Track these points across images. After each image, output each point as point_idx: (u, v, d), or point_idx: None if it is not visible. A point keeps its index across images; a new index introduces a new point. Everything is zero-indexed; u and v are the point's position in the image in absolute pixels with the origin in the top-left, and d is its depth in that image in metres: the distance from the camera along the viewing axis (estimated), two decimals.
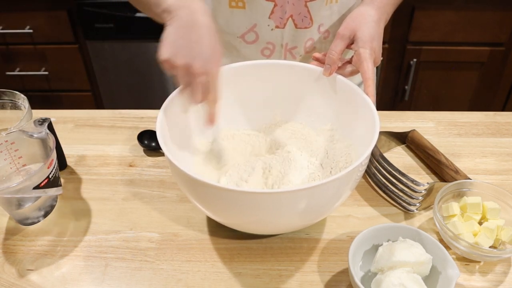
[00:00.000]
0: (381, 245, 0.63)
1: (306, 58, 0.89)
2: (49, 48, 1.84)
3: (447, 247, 0.67)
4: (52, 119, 0.79)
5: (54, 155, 0.71)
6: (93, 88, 1.97)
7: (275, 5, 0.81)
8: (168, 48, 0.62)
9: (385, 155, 0.81)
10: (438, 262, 0.61)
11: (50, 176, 0.70)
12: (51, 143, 0.72)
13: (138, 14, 1.72)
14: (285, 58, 0.88)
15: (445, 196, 0.71)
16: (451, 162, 0.79)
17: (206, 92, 0.63)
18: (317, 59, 0.77)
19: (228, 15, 0.83)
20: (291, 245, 0.70)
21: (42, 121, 0.75)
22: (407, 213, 0.75)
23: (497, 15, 1.66)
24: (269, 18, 0.83)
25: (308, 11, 0.82)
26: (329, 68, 0.73)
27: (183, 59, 0.61)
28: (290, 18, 0.82)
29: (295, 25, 0.84)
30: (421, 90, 1.88)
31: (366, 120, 0.68)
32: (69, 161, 0.87)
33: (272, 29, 0.84)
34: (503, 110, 1.93)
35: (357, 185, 0.78)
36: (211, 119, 0.67)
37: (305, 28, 0.84)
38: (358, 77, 0.89)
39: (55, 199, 0.78)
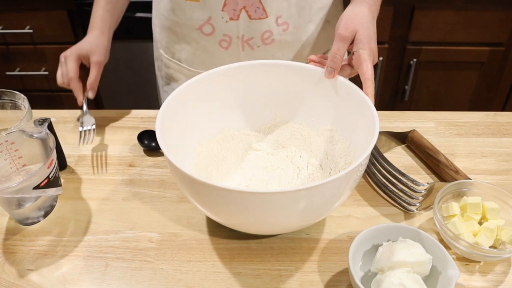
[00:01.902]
0: (381, 245, 0.63)
1: (264, 49, 0.90)
2: (49, 48, 1.84)
3: (447, 247, 0.67)
4: (52, 119, 0.79)
5: (54, 155, 0.71)
6: None
7: None
8: None
9: (385, 155, 0.81)
10: (438, 262, 0.61)
11: (50, 176, 0.70)
12: (51, 143, 0.72)
13: (138, 14, 1.72)
14: (243, 50, 0.89)
15: (445, 196, 0.71)
16: (451, 162, 0.79)
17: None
18: (313, 62, 0.76)
19: (184, 8, 0.85)
20: (291, 245, 0.70)
21: (42, 121, 0.75)
22: (407, 213, 0.75)
23: (497, 15, 1.66)
24: (223, 10, 0.83)
25: (260, 1, 0.82)
26: (332, 71, 0.72)
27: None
28: (243, 10, 0.83)
29: (249, 16, 0.84)
30: (421, 90, 1.87)
31: (366, 120, 0.68)
32: (69, 161, 0.87)
33: (226, 21, 0.85)
34: (503, 110, 1.93)
35: (357, 185, 0.78)
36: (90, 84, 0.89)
37: (260, 19, 0.85)
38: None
39: (55, 199, 0.78)
